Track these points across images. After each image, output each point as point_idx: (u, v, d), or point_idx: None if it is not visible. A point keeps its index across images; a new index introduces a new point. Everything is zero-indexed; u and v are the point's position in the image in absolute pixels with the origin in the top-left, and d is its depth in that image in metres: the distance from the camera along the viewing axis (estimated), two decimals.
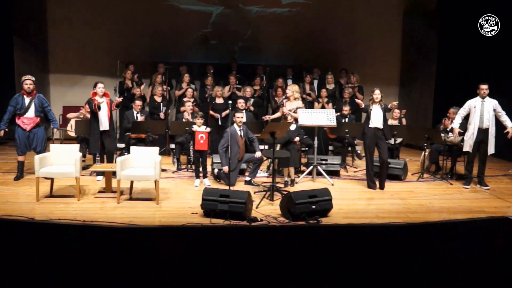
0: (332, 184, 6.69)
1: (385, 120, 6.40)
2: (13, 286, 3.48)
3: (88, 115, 7.14)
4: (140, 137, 7.35)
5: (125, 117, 7.66)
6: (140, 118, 7.52)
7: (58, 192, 5.96)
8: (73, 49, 10.31)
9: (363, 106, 6.61)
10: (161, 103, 8.54)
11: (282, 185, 6.55)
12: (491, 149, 6.52)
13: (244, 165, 7.00)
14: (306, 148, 7.73)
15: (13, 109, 6.47)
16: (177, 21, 10.40)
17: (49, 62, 10.53)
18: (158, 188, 5.64)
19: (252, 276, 3.69)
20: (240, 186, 6.48)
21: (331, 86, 9.28)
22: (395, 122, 7.94)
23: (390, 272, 3.79)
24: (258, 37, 10.67)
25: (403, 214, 5.42)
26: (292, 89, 7.13)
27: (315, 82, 9.45)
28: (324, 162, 7.27)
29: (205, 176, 6.64)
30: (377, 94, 6.40)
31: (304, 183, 6.75)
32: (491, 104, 6.49)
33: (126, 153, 6.91)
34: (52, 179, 5.91)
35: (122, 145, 7.80)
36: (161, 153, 7.11)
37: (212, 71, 9.30)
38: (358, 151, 8.58)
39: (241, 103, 7.81)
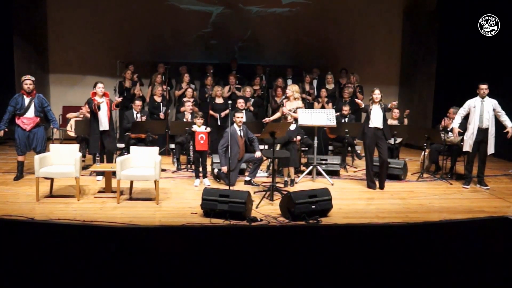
0: (332, 184, 6.69)
1: (385, 120, 6.40)
2: (13, 286, 3.47)
3: (88, 115, 7.14)
4: (140, 137, 7.35)
5: (125, 117, 7.66)
6: (140, 118, 7.52)
7: (58, 192, 5.97)
8: (73, 49, 10.32)
9: (363, 106, 6.61)
10: (161, 103, 8.53)
11: (282, 185, 6.55)
12: (491, 149, 6.52)
13: (244, 165, 7.00)
14: (306, 148, 7.74)
15: (13, 109, 6.47)
16: (177, 21, 10.41)
17: (49, 62, 10.53)
18: (158, 188, 5.64)
19: (252, 276, 3.69)
20: (240, 186, 6.48)
21: (331, 86, 9.28)
22: (395, 122, 7.94)
23: (390, 272, 3.79)
24: (258, 37, 10.67)
25: (403, 214, 5.43)
26: (292, 89, 7.13)
27: (315, 82, 9.45)
28: (324, 162, 7.27)
29: (205, 176, 6.64)
30: (377, 94, 6.40)
31: (304, 183, 6.76)
32: (491, 104, 6.49)
33: (126, 153, 6.91)
34: (52, 179, 5.91)
35: (122, 145, 7.80)
36: (161, 153, 7.11)
37: (212, 71, 9.30)
38: (358, 151, 8.58)
39: (241, 103, 7.81)
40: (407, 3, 10.94)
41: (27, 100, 6.51)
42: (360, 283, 3.69)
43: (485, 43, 8.22)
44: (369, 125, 6.40)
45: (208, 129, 6.63)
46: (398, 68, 11.29)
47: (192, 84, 9.16)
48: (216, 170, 6.83)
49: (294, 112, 6.85)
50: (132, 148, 6.18)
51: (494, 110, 6.49)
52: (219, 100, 8.50)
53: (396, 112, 7.91)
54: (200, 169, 6.61)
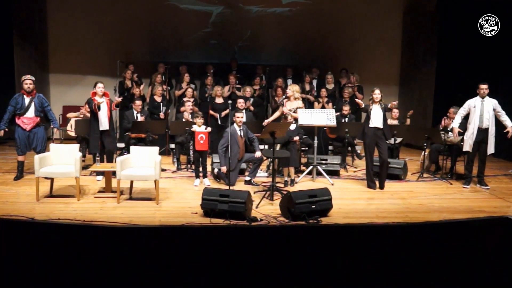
0: (332, 184, 6.69)
1: (385, 120, 6.40)
2: (13, 286, 3.47)
3: (88, 115, 7.14)
4: (140, 137, 7.35)
5: (125, 117, 7.65)
6: (140, 118, 7.52)
7: (58, 192, 5.96)
8: (73, 49, 10.31)
9: (363, 106, 6.61)
10: (161, 103, 8.53)
11: (282, 185, 6.55)
12: (491, 149, 6.52)
13: (244, 165, 7.00)
14: (306, 148, 7.74)
15: (13, 109, 6.47)
16: (177, 21, 10.40)
17: (49, 62, 10.52)
18: (158, 188, 5.64)
19: (252, 276, 3.69)
20: (240, 186, 6.48)
21: (331, 86, 9.28)
22: (395, 122, 7.94)
23: (390, 272, 3.79)
24: (258, 37, 10.66)
25: (403, 214, 5.43)
26: (293, 89, 7.11)
27: (314, 82, 9.45)
28: (324, 162, 7.28)
29: (205, 176, 6.64)
30: (377, 94, 6.40)
31: (304, 183, 6.75)
32: (491, 103, 6.49)
33: (126, 153, 6.91)
34: (52, 179, 5.91)
35: (122, 145, 7.81)
36: (161, 153, 7.11)
37: (212, 71, 9.30)
38: (358, 151, 8.58)
39: (241, 103, 7.80)
40: (407, 3, 10.93)
41: (27, 100, 6.51)
42: (360, 283, 3.69)
43: (485, 43, 8.22)
44: (369, 125, 6.40)
45: (209, 129, 6.63)
46: (398, 68, 11.28)
47: (192, 84, 9.16)
48: (216, 170, 6.83)
49: (294, 112, 6.85)
50: (132, 148, 6.18)
51: (494, 110, 6.49)
52: (219, 100, 8.50)
53: (396, 112, 7.91)
54: (200, 169, 6.61)
